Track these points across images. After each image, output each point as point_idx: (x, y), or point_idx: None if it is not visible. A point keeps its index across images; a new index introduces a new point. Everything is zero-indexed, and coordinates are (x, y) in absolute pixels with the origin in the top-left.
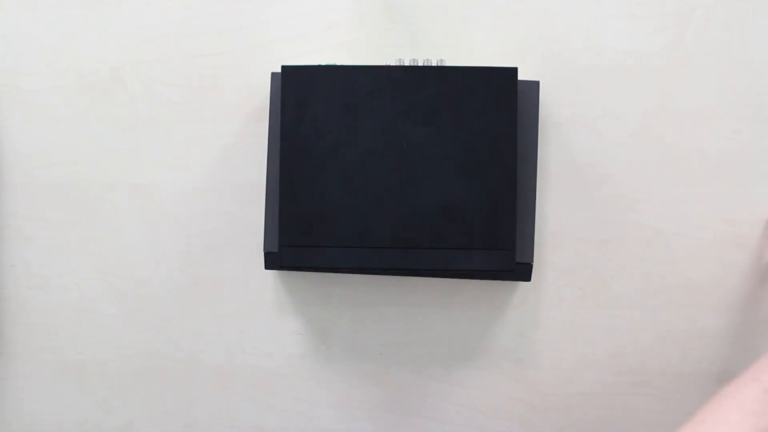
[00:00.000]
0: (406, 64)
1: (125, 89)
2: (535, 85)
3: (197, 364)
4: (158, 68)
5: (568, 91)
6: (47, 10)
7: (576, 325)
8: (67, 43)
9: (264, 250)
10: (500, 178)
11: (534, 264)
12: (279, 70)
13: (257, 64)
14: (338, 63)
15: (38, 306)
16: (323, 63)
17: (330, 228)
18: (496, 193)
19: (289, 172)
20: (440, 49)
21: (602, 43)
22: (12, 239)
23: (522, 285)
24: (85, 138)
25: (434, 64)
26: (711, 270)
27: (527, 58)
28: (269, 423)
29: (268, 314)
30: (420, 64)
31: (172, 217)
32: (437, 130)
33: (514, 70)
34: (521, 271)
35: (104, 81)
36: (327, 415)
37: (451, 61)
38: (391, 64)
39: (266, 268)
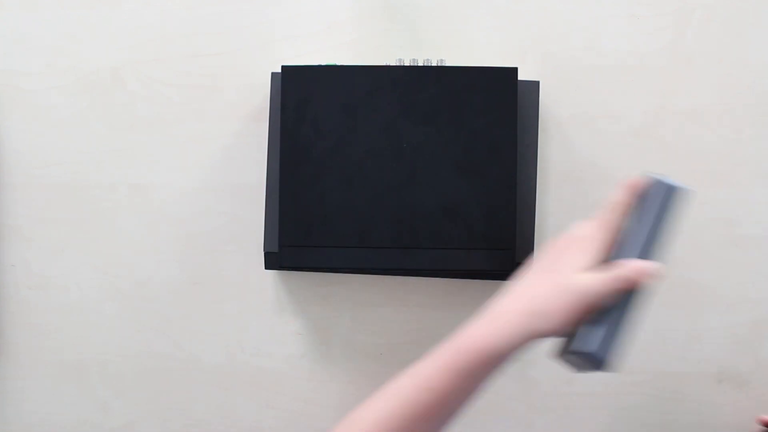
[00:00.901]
0: (406, 64)
1: (125, 89)
2: (535, 85)
3: (197, 364)
4: (158, 68)
5: (568, 91)
6: (47, 10)
7: None
8: (67, 43)
9: (264, 250)
10: (500, 178)
11: None
12: (279, 70)
13: (257, 64)
14: (338, 63)
15: (38, 306)
16: (323, 63)
17: (330, 228)
18: (496, 193)
19: (289, 172)
20: (440, 49)
21: (602, 43)
22: (12, 239)
23: None
24: (85, 138)
25: (434, 64)
26: (711, 270)
27: (527, 58)
28: (269, 423)
29: (268, 314)
30: (420, 64)
31: (172, 217)
32: (437, 130)
33: (514, 70)
34: None
35: (104, 81)
36: (327, 415)
37: (451, 61)
38: (391, 64)
39: (266, 268)
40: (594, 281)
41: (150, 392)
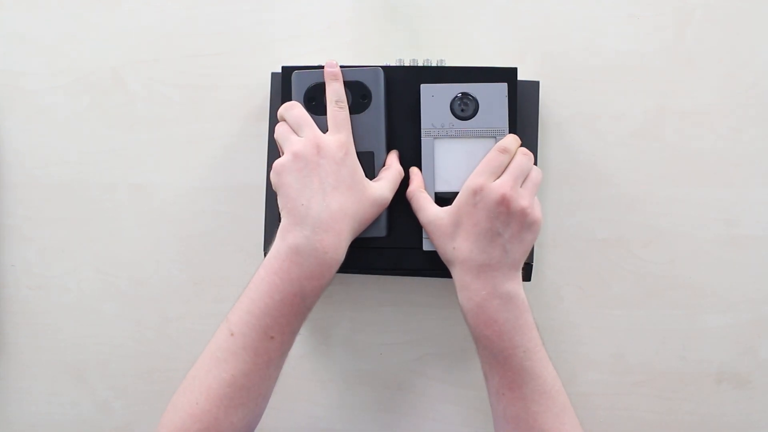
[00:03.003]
0: (406, 64)
1: (125, 89)
2: (535, 85)
3: None
4: (158, 68)
5: (568, 91)
6: (47, 10)
7: (576, 325)
8: (67, 43)
9: (264, 250)
10: None
11: (534, 264)
12: (279, 70)
13: (257, 64)
14: (338, 63)
15: (38, 306)
16: (323, 63)
17: None
18: None
19: None
20: (440, 49)
21: (602, 43)
22: (12, 239)
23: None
24: (85, 138)
25: (434, 64)
26: (711, 270)
27: (527, 58)
28: (269, 423)
29: None
30: (420, 64)
31: (172, 217)
32: None
33: (514, 70)
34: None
35: (104, 81)
36: (327, 415)
37: (451, 61)
38: (391, 64)
39: None
40: (384, 189)
41: (150, 392)
